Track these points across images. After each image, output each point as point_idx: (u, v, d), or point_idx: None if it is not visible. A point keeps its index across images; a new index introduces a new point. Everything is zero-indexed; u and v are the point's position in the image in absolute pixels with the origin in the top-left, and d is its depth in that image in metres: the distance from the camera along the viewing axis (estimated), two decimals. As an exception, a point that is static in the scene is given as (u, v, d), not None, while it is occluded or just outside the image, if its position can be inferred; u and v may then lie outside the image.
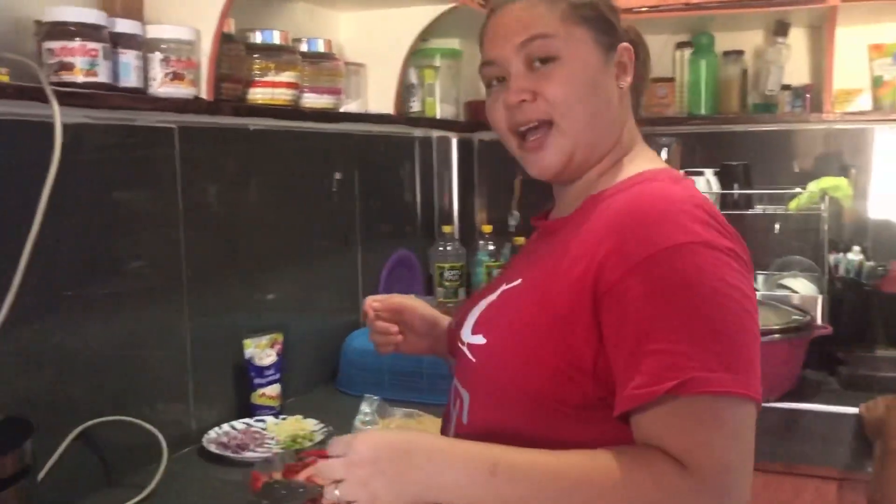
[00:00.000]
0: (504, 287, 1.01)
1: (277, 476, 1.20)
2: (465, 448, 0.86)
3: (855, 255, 2.24)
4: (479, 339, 0.98)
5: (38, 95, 1.14)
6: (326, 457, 1.18)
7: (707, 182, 2.33)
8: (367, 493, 0.84)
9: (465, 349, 1.01)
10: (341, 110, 1.93)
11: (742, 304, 0.84)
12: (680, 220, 0.86)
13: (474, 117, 2.64)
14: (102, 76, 1.23)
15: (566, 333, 0.89)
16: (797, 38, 2.44)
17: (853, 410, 1.82)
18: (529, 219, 1.13)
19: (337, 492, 0.85)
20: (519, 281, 0.99)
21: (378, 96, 2.12)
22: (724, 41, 2.47)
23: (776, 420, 1.89)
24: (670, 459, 0.79)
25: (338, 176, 2.09)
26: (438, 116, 2.42)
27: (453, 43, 2.54)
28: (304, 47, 1.81)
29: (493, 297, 1.02)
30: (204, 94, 1.46)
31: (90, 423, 1.37)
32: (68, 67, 1.20)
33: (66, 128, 1.16)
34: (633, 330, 0.83)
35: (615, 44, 1.00)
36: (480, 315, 1.01)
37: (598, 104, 0.98)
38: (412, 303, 1.27)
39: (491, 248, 2.61)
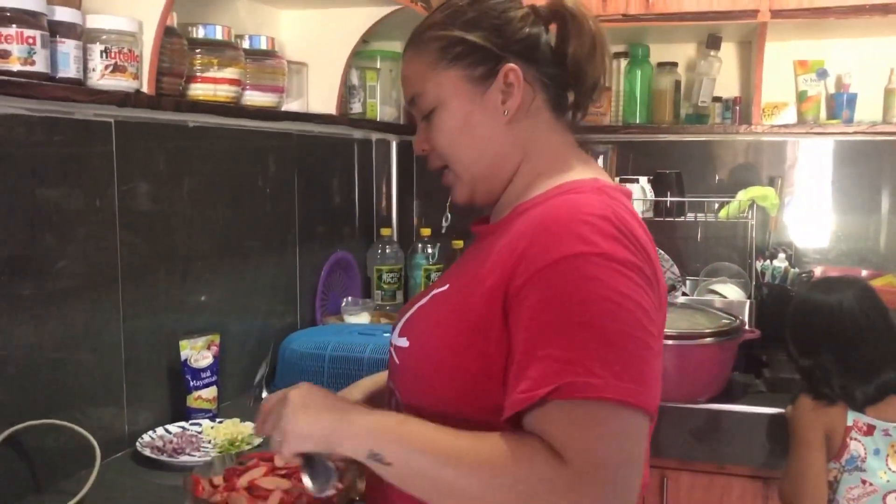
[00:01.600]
0: (434, 291, 1.03)
1: (218, 480, 1.17)
2: (382, 410, 0.97)
3: (780, 262, 2.33)
4: (404, 342, 1.02)
5: (-30, 83, 1.09)
6: (269, 459, 1.18)
7: (641, 189, 2.39)
8: (288, 421, 0.91)
9: (392, 351, 1.05)
10: (283, 109, 1.91)
11: (635, 314, 0.85)
12: (581, 231, 0.87)
13: (413, 122, 2.64)
14: (40, 65, 1.18)
15: (481, 341, 0.91)
16: (728, 52, 2.53)
17: (778, 411, 1.89)
18: (467, 223, 1.15)
19: (273, 434, 0.93)
20: (447, 286, 1.02)
21: (319, 96, 2.10)
22: (659, 53, 2.54)
23: (707, 421, 1.95)
24: (551, 451, 0.80)
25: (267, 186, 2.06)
26: (379, 118, 2.41)
27: (394, 45, 2.54)
28: (246, 44, 1.79)
29: (423, 301, 1.04)
30: (145, 88, 1.42)
31: (17, 427, 1.31)
32: (4, 55, 1.15)
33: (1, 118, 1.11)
34: (526, 335, 0.86)
35: (496, 69, 0.99)
36: (409, 318, 1.04)
37: (478, 140, 1.01)
38: None
39: (429, 251, 2.61)
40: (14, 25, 1.16)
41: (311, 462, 0.97)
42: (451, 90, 1.00)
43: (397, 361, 1.03)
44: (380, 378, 1.27)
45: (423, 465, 0.86)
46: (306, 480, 0.96)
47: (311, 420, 0.91)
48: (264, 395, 1.29)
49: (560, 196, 0.96)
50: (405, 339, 1.02)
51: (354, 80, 2.31)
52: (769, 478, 1.93)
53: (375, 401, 1.22)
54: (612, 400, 0.81)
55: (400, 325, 1.05)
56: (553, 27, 1.04)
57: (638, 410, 0.82)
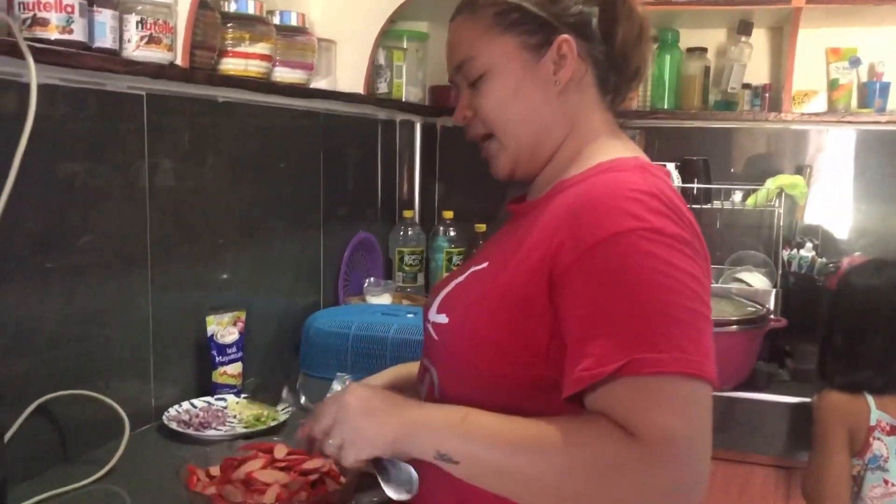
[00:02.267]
0: (472, 269, 1.03)
1: (214, 471, 1.15)
2: (440, 404, 0.96)
3: (807, 252, 2.31)
4: (443, 319, 1.01)
5: (11, 51, 1.08)
6: (268, 450, 1.17)
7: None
8: (352, 428, 0.91)
9: (430, 327, 1.04)
10: (311, 87, 1.90)
11: (690, 286, 0.85)
12: (630, 207, 0.87)
13: (438, 102, 2.63)
14: (77, 34, 1.18)
15: (523, 317, 0.91)
16: (759, 39, 2.49)
17: (802, 400, 1.88)
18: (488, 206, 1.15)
19: (331, 441, 0.91)
20: (486, 264, 1.01)
21: (347, 75, 2.09)
22: (689, 38, 2.51)
23: (731, 409, 1.94)
24: (619, 428, 0.81)
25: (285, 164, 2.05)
26: (404, 99, 2.40)
27: (421, 26, 2.52)
28: (276, 20, 1.78)
29: (461, 278, 1.04)
30: (179, 61, 1.41)
31: (48, 396, 1.31)
32: (42, 23, 1.14)
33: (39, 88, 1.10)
34: (583, 314, 0.86)
35: (550, 38, 0.99)
36: (447, 295, 1.04)
37: (527, 109, 1.01)
38: None
39: (451, 233, 2.60)
40: (53, -7, 1.16)
41: (380, 466, 0.94)
42: (504, 56, 0.99)
43: (436, 337, 1.03)
44: (404, 369, 1.27)
45: (493, 459, 0.85)
46: (386, 487, 0.93)
47: (376, 426, 0.90)
48: (302, 399, 1.27)
49: (603, 174, 0.96)
50: (444, 315, 1.01)
51: (381, 59, 2.30)
52: (792, 467, 1.92)
53: (401, 390, 1.19)
54: (678, 373, 0.81)
55: (437, 301, 1.05)
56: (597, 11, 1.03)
57: (703, 381, 0.83)
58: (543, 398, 0.91)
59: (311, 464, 1.15)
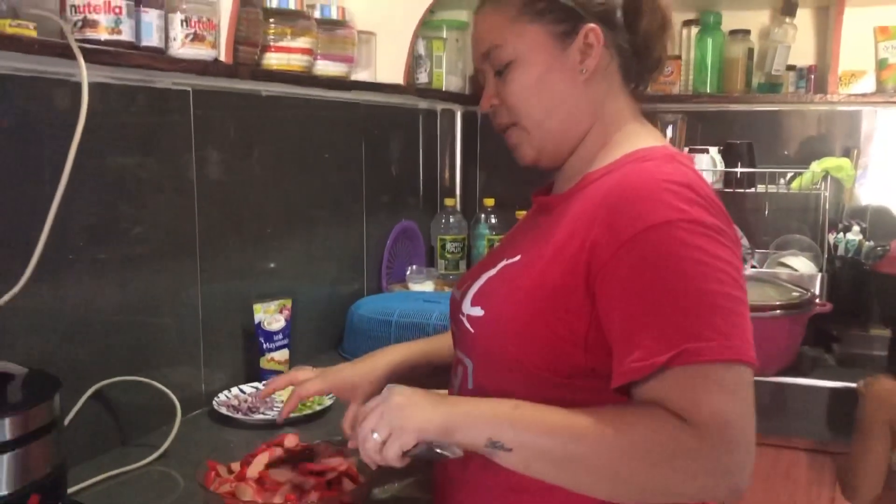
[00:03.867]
0: (504, 262, 1.05)
1: (235, 466, 1.16)
2: (486, 398, 0.94)
3: (854, 235, 2.26)
4: (478, 311, 1.03)
5: (64, 52, 1.13)
6: (279, 443, 1.18)
7: (711, 160, 2.35)
8: (398, 418, 0.90)
9: (464, 320, 1.06)
10: (352, 79, 1.93)
11: (730, 274, 0.87)
12: (665, 198, 0.89)
13: (479, 91, 2.64)
14: (126, 34, 1.23)
15: (560, 307, 0.93)
16: (804, 19, 2.45)
17: (847, 385, 1.86)
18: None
19: (376, 435, 0.90)
20: (518, 257, 1.03)
21: (387, 66, 2.11)
22: (731, 20, 2.47)
23: (774, 394, 1.92)
24: (673, 415, 0.83)
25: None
26: (444, 88, 2.42)
27: (461, 15, 2.53)
28: (317, 14, 1.81)
29: (493, 271, 1.06)
30: (223, 57, 1.45)
31: (104, 382, 1.37)
32: (92, 25, 1.19)
33: (90, 87, 1.15)
34: (628, 306, 0.87)
35: (577, 27, 1.00)
36: (480, 288, 1.06)
37: (553, 98, 1.02)
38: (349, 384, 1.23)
39: (493, 221, 2.62)
40: (102, -4, 1.21)
41: (421, 447, 0.92)
42: (531, 45, 1.00)
43: (471, 330, 1.04)
44: (411, 351, 1.27)
45: (548, 446, 0.86)
46: (434, 455, 0.92)
47: (425, 414, 0.90)
48: None
49: (633, 164, 0.98)
50: (479, 308, 1.03)
51: (421, 50, 2.32)
52: (837, 452, 1.90)
53: (401, 375, 1.22)
54: (726, 360, 0.84)
55: (470, 294, 1.06)
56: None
57: (746, 365, 0.85)
58: (580, 387, 0.94)
59: (327, 463, 1.15)
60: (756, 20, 2.50)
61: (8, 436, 0.90)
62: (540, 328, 0.94)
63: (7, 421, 0.90)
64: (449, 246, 2.55)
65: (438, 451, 0.91)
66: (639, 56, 1.05)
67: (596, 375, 0.92)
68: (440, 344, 1.26)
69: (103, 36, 1.20)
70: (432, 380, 1.20)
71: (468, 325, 1.05)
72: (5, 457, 0.91)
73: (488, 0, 1.05)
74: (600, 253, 0.90)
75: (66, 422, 1.30)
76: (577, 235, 0.93)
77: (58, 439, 0.98)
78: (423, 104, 2.51)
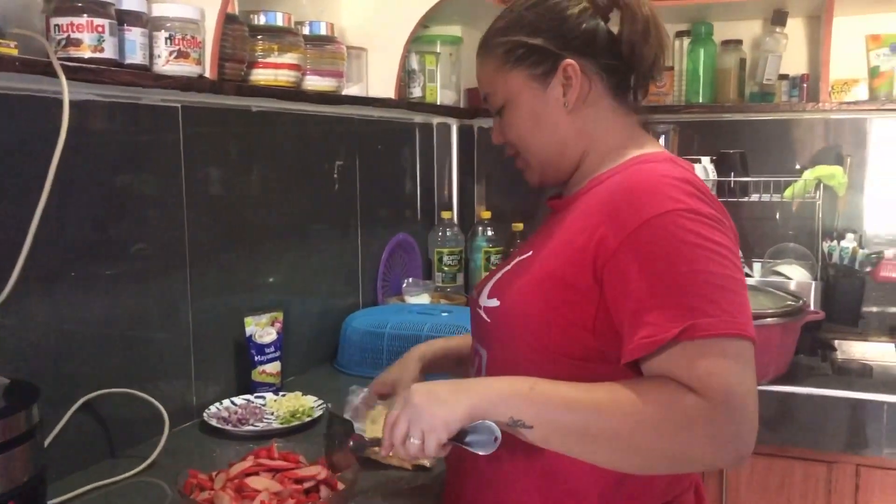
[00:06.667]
0: (518, 258, 1.14)
1: (222, 476, 1.18)
2: (503, 377, 1.02)
3: (848, 243, 2.27)
4: (494, 302, 1.11)
5: (46, 70, 1.16)
6: (270, 456, 1.21)
7: (704, 170, 2.36)
8: (427, 419, 0.97)
9: (481, 312, 1.14)
10: (342, 93, 1.95)
11: (729, 258, 0.95)
12: (668, 191, 0.97)
13: (474, 104, 2.66)
14: (109, 52, 1.25)
15: (569, 295, 1.01)
16: (795, 28, 2.46)
17: (843, 394, 1.85)
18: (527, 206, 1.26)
19: (414, 439, 0.98)
20: (530, 253, 1.12)
21: (379, 81, 2.14)
22: (723, 30, 2.49)
23: (768, 403, 1.92)
24: (682, 385, 0.89)
25: (339, 162, 2.11)
26: (439, 102, 2.44)
27: (454, 30, 2.56)
28: (306, 30, 1.84)
29: (508, 267, 1.15)
30: (207, 74, 1.48)
31: (93, 394, 1.39)
32: (75, 43, 1.22)
33: (72, 104, 1.18)
34: (636, 288, 0.94)
35: (556, 64, 1.09)
36: (496, 282, 1.15)
37: (545, 132, 1.13)
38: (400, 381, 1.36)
39: (490, 233, 2.64)
40: (85, 15, 1.23)
41: (461, 436, 0.97)
42: (516, 88, 1.12)
43: (488, 320, 1.12)
44: (435, 347, 1.40)
45: (568, 421, 0.93)
46: (475, 450, 0.97)
47: (449, 408, 0.96)
48: (356, 426, 1.29)
49: (636, 165, 1.07)
50: (495, 299, 1.11)
51: (414, 64, 2.35)
52: (833, 461, 1.89)
53: (435, 367, 1.38)
54: (729, 335, 0.90)
55: (487, 288, 1.15)
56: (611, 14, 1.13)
57: (748, 340, 0.92)
58: (590, 369, 1.00)
59: (305, 471, 1.17)
60: (747, 30, 2.51)
61: (-16, 444, 0.92)
62: (549, 314, 1.02)
63: (-18, 429, 0.91)
64: (446, 259, 2.57)
65: (470, 436, 0.97)
66: (631, 64, 1.11)
67: (604, 358, 1.00)
68: (463, 340, 1.36)
69: (86, 54, 1.23)
70: (458, 369, 1.36)
71: (485, 316, 1.13)
72: (-19, 464, 0.92)
73: (478, 52, 1.16)
74: (607, 245, 0.97)
75: (54, 433, 1.32)
76: (585, 230, 1.01)
77: (35, 448, 1.00)
78: (418, 118, 2.53)
